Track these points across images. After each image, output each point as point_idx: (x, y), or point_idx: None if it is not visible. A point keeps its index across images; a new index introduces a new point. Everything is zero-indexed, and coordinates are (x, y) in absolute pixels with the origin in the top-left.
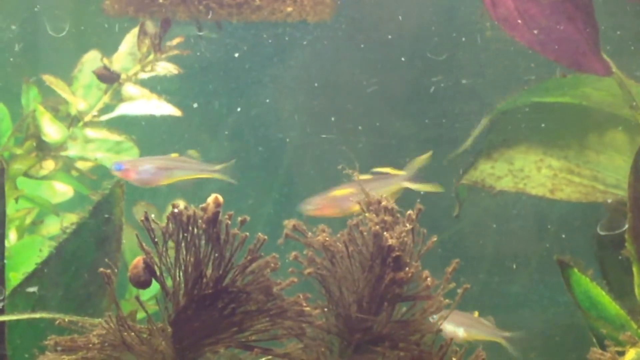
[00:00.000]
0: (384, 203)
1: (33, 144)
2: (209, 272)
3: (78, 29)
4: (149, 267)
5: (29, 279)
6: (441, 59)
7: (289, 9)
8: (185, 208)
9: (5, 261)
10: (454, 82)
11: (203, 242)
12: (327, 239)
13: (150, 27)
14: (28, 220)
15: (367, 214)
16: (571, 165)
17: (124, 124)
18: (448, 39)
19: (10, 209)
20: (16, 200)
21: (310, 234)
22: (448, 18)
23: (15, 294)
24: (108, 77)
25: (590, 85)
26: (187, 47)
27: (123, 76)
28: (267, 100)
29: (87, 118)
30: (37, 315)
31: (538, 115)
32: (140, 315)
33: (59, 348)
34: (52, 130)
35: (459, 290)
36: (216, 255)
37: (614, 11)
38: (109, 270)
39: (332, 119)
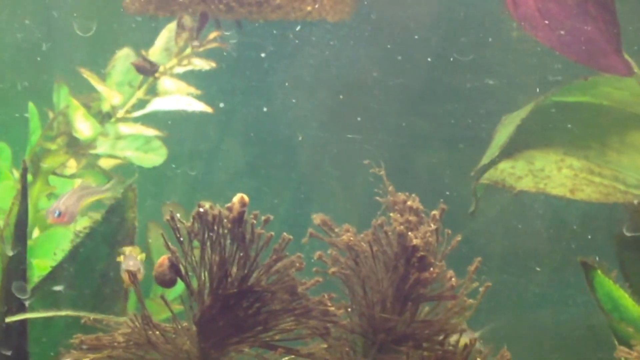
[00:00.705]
0: (409, 203)
1: (64, 140)
2: (233, 271)
3: (99, 28)
4: (174, 266)
5: (44, 281)
6: (467, 59)
7: (309, 8)
8: (211, 207)
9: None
10: (480, 83)
11: (228, 241)
12: (351, 238)
13: (188, 21)
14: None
15: (391, 214)
16: (592, 165)
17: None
18: (475, 38)
19: (42, 205)
20: (48, 197)
21: (334, 233)
22: (473, 17)
23: (32, 293)
24: (146, 69)
25: (611, 85)
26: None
27: (161, 69)
28: (293, 100)
29: (119, 114)
30: (63, 313)
31: (559, 115)
32: (165, 314)
33: (84, 346)
34: (84, 126)
35: (481, 289)
36: (241, 254)
37: (638, 10)
38: (134, 270)
39: (358, 118)
